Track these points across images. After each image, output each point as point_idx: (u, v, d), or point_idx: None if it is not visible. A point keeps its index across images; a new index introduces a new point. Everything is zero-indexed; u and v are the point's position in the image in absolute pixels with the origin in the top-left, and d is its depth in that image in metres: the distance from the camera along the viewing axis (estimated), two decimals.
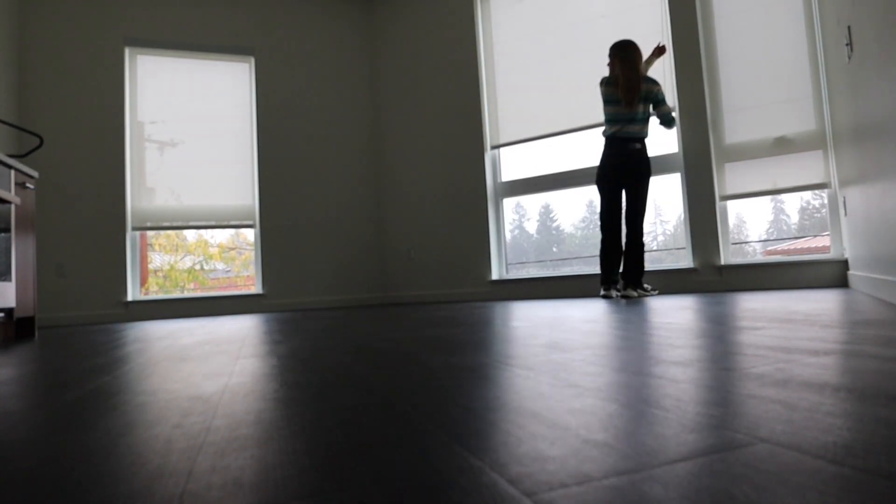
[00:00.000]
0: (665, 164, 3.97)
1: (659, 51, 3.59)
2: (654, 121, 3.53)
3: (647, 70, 3.55)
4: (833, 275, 3.39)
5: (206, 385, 1.02)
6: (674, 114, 3.57)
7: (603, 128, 3.55)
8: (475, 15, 4.92)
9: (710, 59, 3.83)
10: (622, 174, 3.45)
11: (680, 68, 3.89)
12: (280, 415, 0.74)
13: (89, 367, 1.38)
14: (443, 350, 1.33)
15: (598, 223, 3.58)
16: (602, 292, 3.52)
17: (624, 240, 3.52)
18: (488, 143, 4.86)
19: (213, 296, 4.92)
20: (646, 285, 3.52)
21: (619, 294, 3.48)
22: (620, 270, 3.52)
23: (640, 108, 3.44)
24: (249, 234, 5.28)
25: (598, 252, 3.60)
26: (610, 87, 3.49)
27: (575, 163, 4.45)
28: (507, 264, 4.83)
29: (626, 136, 3.42)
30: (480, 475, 0.46)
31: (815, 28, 3.47)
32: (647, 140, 3.48)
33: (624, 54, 3.46)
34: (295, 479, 0.48)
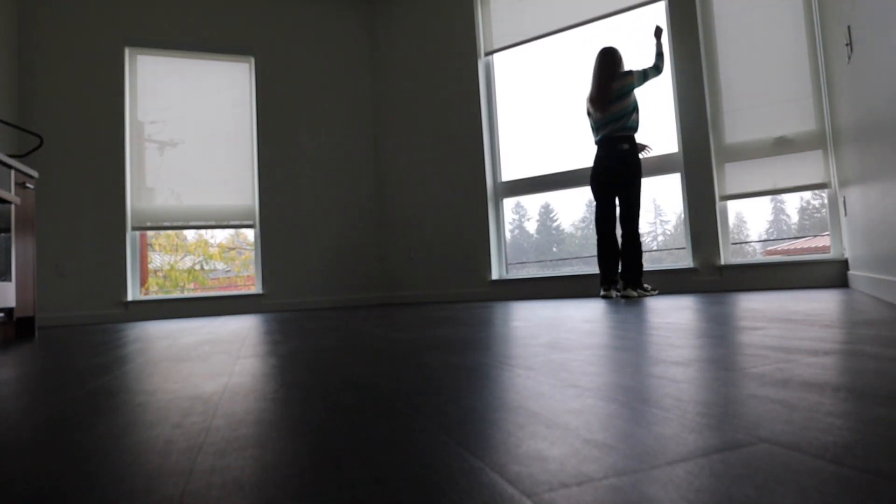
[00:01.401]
0: (665, 164, 3.97)
1: (657, 32, 3.60)
2: (652, 113, 3.59)
3: (658, 49, 3.56)
4: (833, 275, 3.39)
5: (206, 385, 1.02)
6: (653, 69, 3.52)
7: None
8: (475, 15, 4.92)
9: (710, 59, 3.83)
10: (612, 176, 3.50)
11: (680, 68, 3.89)
12: (280, 415, 0.74)
13: (89, 367, 1.38)
14: (443, 350, 1.33)
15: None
16: (602, 292, 3.52)
17: (620, 241, 3.54)
18: (489, 143, 4.86)
19: (212, 296, 4.91)
20: (646, 285, 3.52)
21: (618, 294, 3.49)
22: (619, 271, 3.53)
23: (619, 106, 3.48)
24: (249, 234, 5.28)
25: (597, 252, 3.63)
26: (587, 102, 3.68)
27: (575, 163, 4.45)
28: (507, 264, 4.83)
29: (611, 136, 3.50)
30: (480, 475, 0.46)
31: (815, 28, 3.47)
32: (636, 137, 3.53)
33: (594, 65, 3.62)
34: (295, 479, 0.48)
